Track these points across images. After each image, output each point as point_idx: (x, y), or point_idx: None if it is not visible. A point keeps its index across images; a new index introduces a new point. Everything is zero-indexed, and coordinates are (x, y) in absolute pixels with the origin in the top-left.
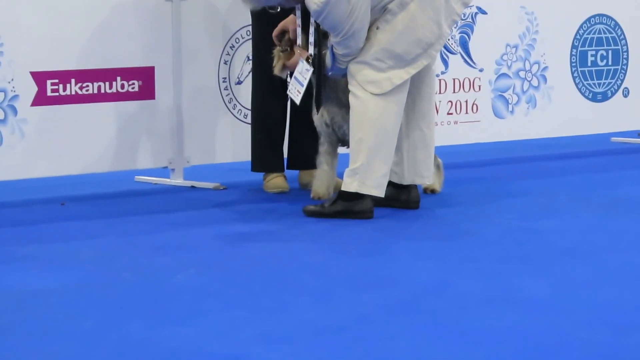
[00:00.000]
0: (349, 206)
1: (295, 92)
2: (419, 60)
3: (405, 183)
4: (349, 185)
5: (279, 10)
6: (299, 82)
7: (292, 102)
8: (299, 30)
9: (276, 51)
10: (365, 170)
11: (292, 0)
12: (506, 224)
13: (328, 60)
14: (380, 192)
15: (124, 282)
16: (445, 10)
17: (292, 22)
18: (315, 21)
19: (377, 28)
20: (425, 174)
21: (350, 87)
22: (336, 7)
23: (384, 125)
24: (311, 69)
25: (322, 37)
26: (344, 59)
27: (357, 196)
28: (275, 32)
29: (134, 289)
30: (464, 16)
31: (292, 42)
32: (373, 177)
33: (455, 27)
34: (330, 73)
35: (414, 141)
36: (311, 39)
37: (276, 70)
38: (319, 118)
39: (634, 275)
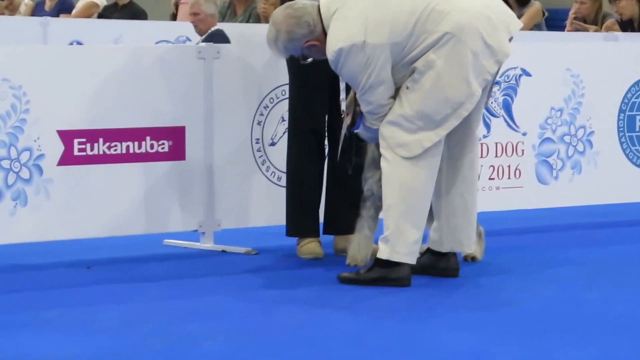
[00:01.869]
0: (385, 273)
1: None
2: (448, 121)
3: (443, 251)
4: (383, 252)
5: (309, 61)
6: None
7: (329, 164)
8: (342, 85)
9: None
10: (395, 237)
11: (317, 53)
12: (549, 295)
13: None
14: (411, 259)
15: (150, 349)
16: (474, 67)
17: None
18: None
19: (407, 88)
20: (465, 242)
21: (381, 150)
22: (350, 57)
23: (413, 191)
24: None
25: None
26: (370, 118)
27: (393, 263)
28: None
29: (160, 356)
30: (508, 78)
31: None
32: (404, 244)
33: (497, 88)
34: (355, 131)
35: (453, 208)
36: (342, 95)
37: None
38: (376, 182)
39: None
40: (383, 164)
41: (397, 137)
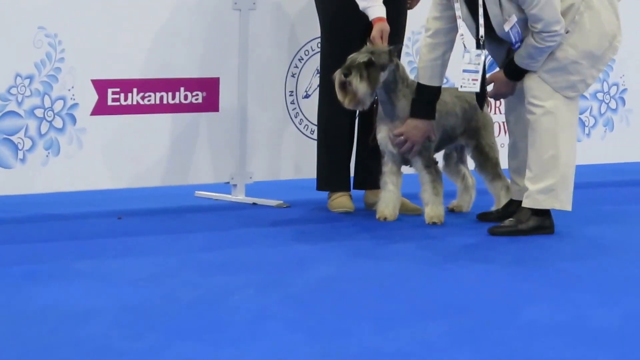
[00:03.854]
0: (541, 222)
1: (471, 82)
2: (606, 55)
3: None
4: (545, 202)
5: None
6: (471, 71)
7: (361, 118)
8: (459, 16)
9: (337, 78)
10: (561, 187)
11: None
12: (580, 253)
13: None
14: (570, 206)
15: (180, 301)
16: (613, 1)
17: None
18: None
19: (567, 32)
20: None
21: (536, 101)
22: None
23: (574, 136)
24: (482, 52)
25: None
26: (553, 28)
27: (546, 212)
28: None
29: (190, 308)
30: None
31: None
32: (568, 192)
33: None
34: (516, 47)
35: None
36: (481, 20)
37: (347, 104)
38: (384, 138)
39: None
40: (544, 118)
41: (562, 80)
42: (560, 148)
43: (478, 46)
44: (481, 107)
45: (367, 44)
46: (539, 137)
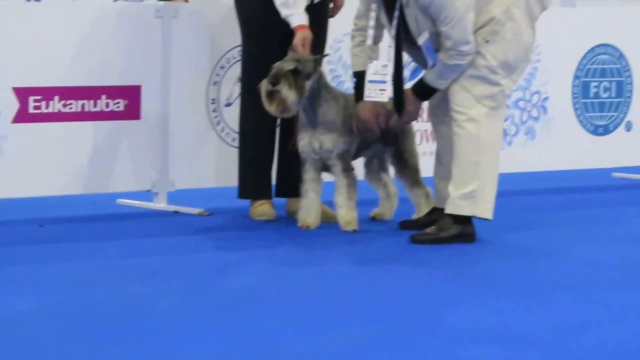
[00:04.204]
0: (463, 230)
1: (378, 92)
2: (520, 66)
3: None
4: (465, 208)
5: None
6: (376, 82)
7: (282, 126)
8: (371, 26)
9: (264, 88)
10: (481, 194)
11: None
12: (502, 260)
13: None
14: (490, 214)
15: (103, 308)
16: (533, 12)
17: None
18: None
19: (487, 41)
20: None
21: (459, 107)
22: None
23: (496, 144)
24: (389, 63)
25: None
26: (461, 48)
27: (467, 220)
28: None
29: (112, 315)
30: None
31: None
32: (488, 200)
33: None
34: (431, 68)
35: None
36: (393, 32)
37: (274, 111)
38: (306, 145)
39: (634, 314)
40: (467, 124)
41: (482, 89)
42: (483, 155)
43: (394, 57)
44: (399, 113)
45: (289, 52)
46: (463, 143)
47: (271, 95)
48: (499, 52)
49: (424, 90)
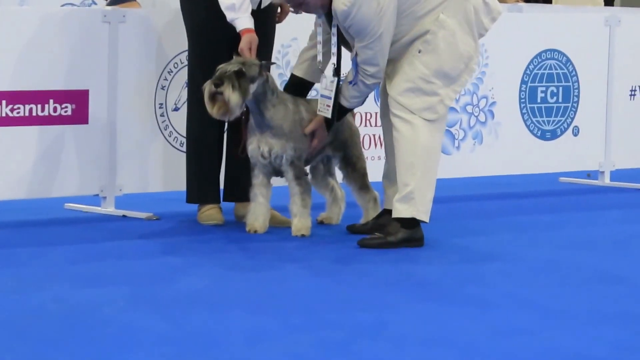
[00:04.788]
0: (411, 234)
1: (325, 107)
2: (462, 77)
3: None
4: (405, 211)
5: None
6: (326, 97)
7: (230, 130)
8: (319, 42)
9: (207, 89)
10: (418, 196)
11: (318, 9)
12: (447, 266)
13: (350, 76)
14: (427, 217)
15: (48, 314)
16: (475, 23)
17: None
18: (336, 31)
19: (420, 52)
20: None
21: (397, 112)
22: (364, 6)
23: (433, 151)
24: (336, 79)
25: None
26: (367, 68)
27: (415, 223)
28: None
29: (58, 321)
30: None
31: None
32: (425, 202)
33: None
34: (352, 85)
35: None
36: (334, 49)
37: (215, 113)
38: (255, 149)
39: (581, 320)
40: (401, 125)
41: (419, 101)
42: (418, 156)
43: (335, 73)
44: (328, 129)
45: (235, 56)
46: (399, 146)
47: (214, 97)
48: (432, 61)
49: (340, 113)
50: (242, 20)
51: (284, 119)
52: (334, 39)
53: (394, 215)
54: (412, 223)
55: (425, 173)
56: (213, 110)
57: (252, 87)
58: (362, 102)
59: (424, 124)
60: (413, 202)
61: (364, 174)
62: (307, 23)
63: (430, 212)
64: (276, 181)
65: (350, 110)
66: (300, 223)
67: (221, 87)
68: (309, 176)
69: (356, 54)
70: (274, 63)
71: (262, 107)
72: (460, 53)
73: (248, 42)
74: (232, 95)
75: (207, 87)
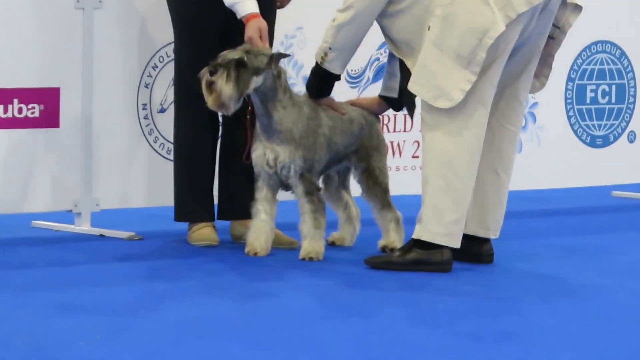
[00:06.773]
0: (426, 256)
1: None
2: (477, 55)
3: (466, 232)
4: (416, 231)
5: None
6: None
7: (225, 136)
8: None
9: (204, 77)
10: (429, 215)
11: None
12: (479, 299)
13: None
14: (448, 240)
15: (15, 349)
16: None
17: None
18: None
19: (429, 28)
20: (491, 226)
21: (422, 115)
22: None
23: (454, 162)
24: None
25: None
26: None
27: (433, 245)
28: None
29: (26, 357)
30: None
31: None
32: (439, 222)
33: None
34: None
35: (484, 185)
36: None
37: (211, 104)
38: (260, 156)
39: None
40: (423, 131)
41: (432, 85)
42: (432, 168)
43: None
44: (411, 115)
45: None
46: (422, 151)
47: (210, 85)
48: (441, 38)
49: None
50: (244, 4)
51: (294, 123)
52: None
53: (413, 234)
54: (429, 244)
55: (442, 187)
56: (209, 101)
57: (256, 81)
58: (336, 63)
59: (442, 125)
60: (420, 222)
61: (385, 190)
62: (314, 9)
63: (455, 234)
64: (281, 195)
65: (320, 68)
66: (311, 246)
67: (214, 76)
68: (322, 189)
69: None
70: (288, 55)
71: (270, 106)
72: (469, 27)
73: (256, 29)
74: (224, 87)
75: (204, 74)
